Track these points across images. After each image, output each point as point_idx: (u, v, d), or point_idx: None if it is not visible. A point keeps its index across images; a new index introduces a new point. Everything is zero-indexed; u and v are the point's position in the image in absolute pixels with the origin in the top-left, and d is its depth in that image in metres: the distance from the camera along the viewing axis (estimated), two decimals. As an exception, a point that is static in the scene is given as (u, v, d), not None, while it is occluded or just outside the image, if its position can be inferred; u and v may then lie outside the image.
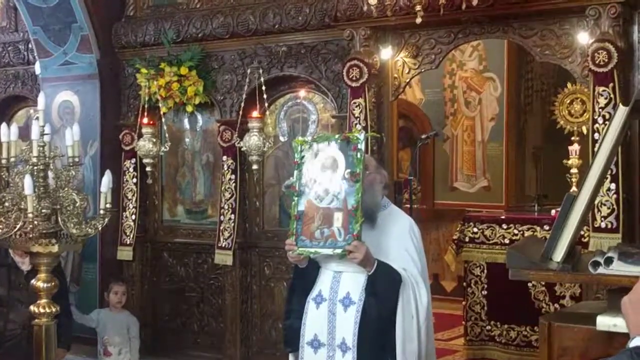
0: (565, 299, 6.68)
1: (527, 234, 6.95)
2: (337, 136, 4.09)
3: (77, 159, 5.16)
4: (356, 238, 3.87)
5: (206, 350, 7.72)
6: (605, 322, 2.89)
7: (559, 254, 2.94)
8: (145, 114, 7.37)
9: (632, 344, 1.75)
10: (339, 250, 3.90)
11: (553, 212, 6.97)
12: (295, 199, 4.05)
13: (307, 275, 4.20)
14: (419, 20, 5.49)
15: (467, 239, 7.25)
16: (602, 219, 5.51)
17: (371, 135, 6.07)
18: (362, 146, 3.96)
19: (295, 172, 4.09)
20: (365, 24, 6.50)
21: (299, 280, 4.27)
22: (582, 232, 6.04)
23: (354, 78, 6.51)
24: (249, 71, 7.17)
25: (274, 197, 7.53)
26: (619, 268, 2.84)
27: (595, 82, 5.60)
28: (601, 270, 2.91)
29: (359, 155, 3.94)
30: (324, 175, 4.01)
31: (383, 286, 3.97)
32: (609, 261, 2.88)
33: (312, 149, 4.07)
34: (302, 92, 7.21)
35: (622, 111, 2.85)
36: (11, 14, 8.81)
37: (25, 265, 5.81)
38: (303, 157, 4.08)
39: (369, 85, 6.53)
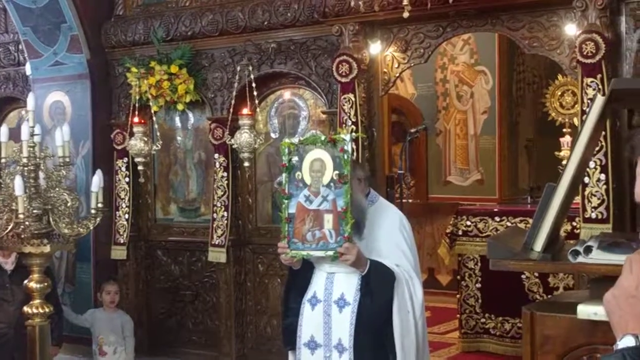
0: (559, 291, 6.69)
1: (520, 226, 6.96)
2: (323, 138, 4.11)
3: (67, 159, 5.17)
4: (347, 240, 3.89)
5: (201, 347, 7.72)
6: (586, 311, 2.90)
7: (539, 244, 2.95)
8: (136, 112, 7.36)
9: (622, 344, 1.60)
10: (330, 252, 3.92)
11: (545, 204, 6.97)
12: (285, 201, 4.07)
13: (301, 276, 4.22)
14: (406, 14, 5.49)
15: (460, 232, 7.26)
16: (593, 209, 5.52)
17: (356, 136, 6.07)
18: (348, 147, 3.98)
19: (284, 175, 4.10)
20: (353, 20, 6.50)
21: (294, 280, 4.29)
22: (574, 224, 6.08)
23: (343, 73, 6.52)
24: (238, 68, 7.17)
25: (267, 193, 7.54)
26: (598, 257, 2.85)
27: (584, 73, 5.61)
28: (580, 259, 2.93)
29: (345, 157, 3.96)
30: (312, 177, 4.03)
31: (377, 285, 3.99)
32: (588, 250, 2.90)
33: (300, 151, 4.09)
34: (287, 94, 7.23)
35: (599, 101, 2.87)
36: (1, 15, 8.80)
37: (8, 265, 5.83)
38: (290, 159, 4.09)
39: (358, 81, 6.54)
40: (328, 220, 3.94)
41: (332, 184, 3.98)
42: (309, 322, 4.14)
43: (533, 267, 3.33)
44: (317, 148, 4.04)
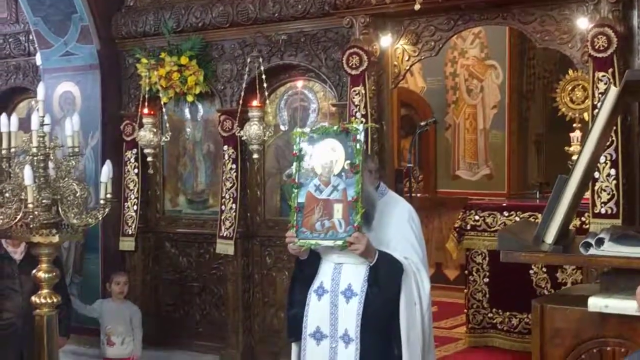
0: (567, 286, 6.66)
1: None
2: (336, 127, 4.09)
3: (77, 149, 5.17)
4: (357, 229, 3.88)
5: (208, 339, 7.73)
6: (597, 304, 2.88)
7: (550, 236, 2.93)
8: (146, 104, 7.37)
9: None
10: (339, 242, 3.90)
11: (554, 198, 6.94)
12: (295, 190, 4.05)
13: (308, 266, 4.20)
14: (417, 7, 5.47)
15: (468, 227, 7.23)
16: (602, 204, 5.49)
17: (370, 126, 6.06)
18: (361, 137, 3.96)
19: (295, 164, 4.09)
20: (364, 12, 6.48)
21: (300, 271, 4.28)
22: (583, 219, 6.05)
23: (353, 66, 6.50)
24: (249, 60, 7.16)
25: (275, 186, 7.53)
26: (610, 249, 2.83)
27: (595, 68, 5.58)
28: (592, 251, 2.90)
29: (358, 146, 3.95)
30: (323, 167, 4.01)
31: (385, 276, 3.98)
32: (600, 242, 2.87)
33: (311, 140, 4.07)
34: (299, 83, 7.21)
35: (613, 93, 2.84)
36: (12, 5, 8.82)
37: (17, 254, 5.84)
38: (302, 148, 4.08)
39: (368, 73, 6.52)
40: (338, 209, 3.93)
41: (343, 173, 3.96)
42: (315, 312, 4.13)
43: (544, 258, 3.30)
44: (329, 137, 4.03)
